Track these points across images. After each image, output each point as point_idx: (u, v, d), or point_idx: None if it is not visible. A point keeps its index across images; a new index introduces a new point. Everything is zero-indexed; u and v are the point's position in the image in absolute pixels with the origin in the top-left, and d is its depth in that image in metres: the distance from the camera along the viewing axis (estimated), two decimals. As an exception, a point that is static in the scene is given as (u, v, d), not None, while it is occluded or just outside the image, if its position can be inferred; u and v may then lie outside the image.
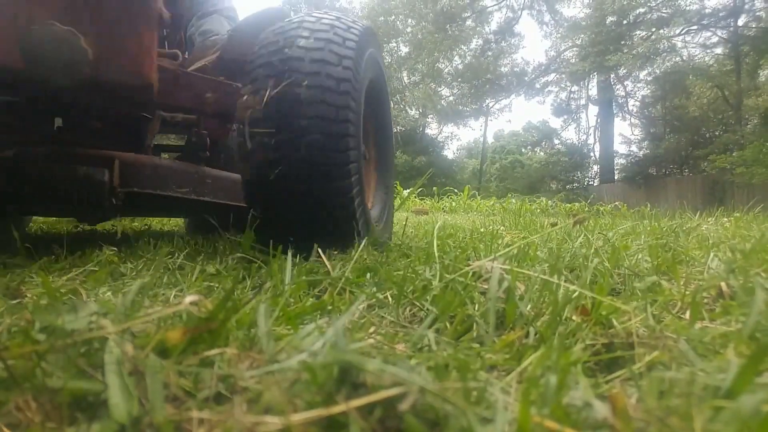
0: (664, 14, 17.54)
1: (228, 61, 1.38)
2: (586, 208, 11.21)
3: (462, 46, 23.38)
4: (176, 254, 1.18)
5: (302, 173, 1.02)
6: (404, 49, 24.95)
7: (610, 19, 18.20)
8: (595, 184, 22.27)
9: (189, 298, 0.44)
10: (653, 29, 17.77)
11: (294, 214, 1.07)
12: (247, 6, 10.99)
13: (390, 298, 0.72)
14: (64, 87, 0.93)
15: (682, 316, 0.69)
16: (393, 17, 23.69)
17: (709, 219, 2.72)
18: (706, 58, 18.79)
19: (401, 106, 23.88)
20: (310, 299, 0.75)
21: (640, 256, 1.11)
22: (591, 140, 24.64)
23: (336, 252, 1.05)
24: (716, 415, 0.32)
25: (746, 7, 16.67)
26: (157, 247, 1.38)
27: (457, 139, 44.48)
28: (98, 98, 1.07)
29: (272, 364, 0.37)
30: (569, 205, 12.25)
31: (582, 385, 0.38)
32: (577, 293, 0.63)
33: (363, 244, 0.99)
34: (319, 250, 0.96)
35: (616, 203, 11.90)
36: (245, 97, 1.03)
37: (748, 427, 0.30)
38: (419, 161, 21.45)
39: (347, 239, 1.13)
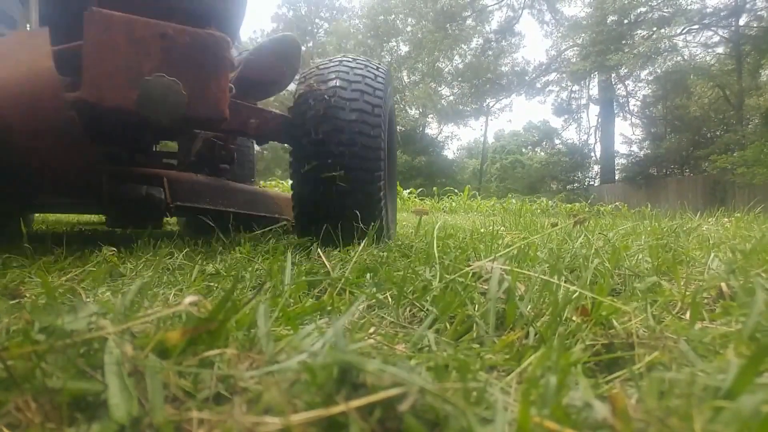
0: (665, 13, 17.53)
1: (244, 80, 1.57)
2: (587, 209, 11.20)
3: (462, 46, 23.37)
4: (175, 254, 1.18)
5: (346, 178, 1.27)
6: (404, 49, 24.99)
7: (611, 18, 18.19)
8: (595, 185, 22.27)
9: (188, 299, 0.44)
10: (654, 28, 17.75)
11: (337, 210, 1.29)
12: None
13: (390, 299, 0.72)
14: (164, 122, 1.13)
15: (682, 316, 0.69)
16: (393, 16, 23.70)
17: (709, 219, 2.72)
18: (708, 58, 18.79)
19: (401, 106, 23.88)
20: (310, 300, 0.75)
21: (640, 257, 1.11)
22: (592, 140, 24.67)
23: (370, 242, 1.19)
24: (716, 415, 0.32)
25: (747, 6, 16.67)
26: (156, 248, 1.38)
27: (457, 138, 44.60)
28: (185, 129, 1.34)
29: (272, 365, 0.37)
30: (570, 206, 12.24)
31: (582, 385, 0.38)
32: (577, 294, 0.63)
33: (363, 244, 0.99)
34: (319, 251, 0.96)
35: (617, 203, 11.90)
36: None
37: (748, 428, 0.30)
38: (419, 161, 21.44)
39: (377, 231, 1.33)
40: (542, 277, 0.68)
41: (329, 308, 0.65)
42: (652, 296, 0.73)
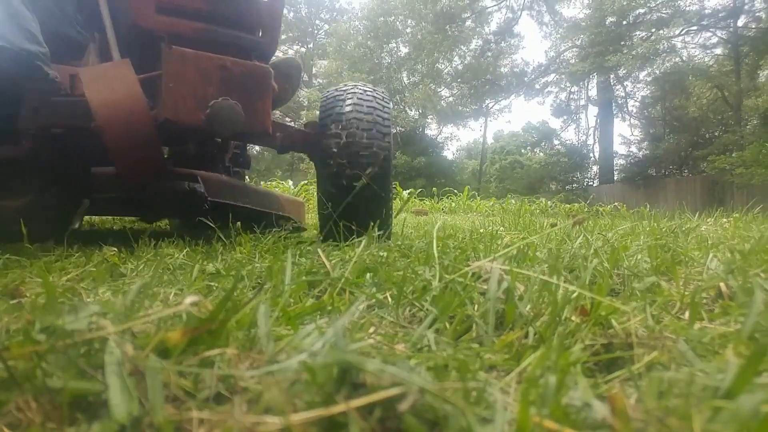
0: (663, 15, 17.54)
1: None
2: (586, 209, 11.21)
3: (462, 47, 23.36)
4: (176, 254, 1.18)
5: (366, 185, 1.52)
6: (404, 50, 24.95)
7: (609, 19, 18.20)
8: (594, 185, 22.26)
9: (189, 299, 0.44)
10: (653, 30, 17.77)
11: (359, 214, 1.52)
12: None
13: (390, 299, 0.72)
14: (227, 136, 1.43)
15: (681, 316, 0.69)
16: (392, 18, 23.68)
17: (708, 220, 2.72)
18: (706, 59, 18.80)
19: (401, 107, 23.87)
20: (310, 299, 0.75)
21: (639, 257, 1.11)
22: (590, 141, 24.67)
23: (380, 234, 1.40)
24: (715, 415, 0.32)
25: (746, 7, 16.68)
26: (157, 247, 1.38)
27: (456, 139, 44.54)
28: (238, 140, 1.69)
29: (272, 365, 0.37)
30: (569, 206, 12.24)
31: (581, 385, 0.38)
32: (576, 294, 0.64)
33: (363, 244, 1.00)
34: (319, 251, 0.97)
35: (616, 204, 11.90)
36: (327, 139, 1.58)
37: (748, 428, 0.30)
38: (419, 162, 21.41)
39: (386, 228, 1.64)
40: (541, 277, 0.68)
41: (329, 308, 0.65)
42: (651, 296, 0.73)
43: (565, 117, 25.15)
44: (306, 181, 8.94)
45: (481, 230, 2.00)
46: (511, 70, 23.77)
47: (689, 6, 17.41)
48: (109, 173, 1.59)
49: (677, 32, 17.88)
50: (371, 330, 0.59)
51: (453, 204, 10.17)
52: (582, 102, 24.75)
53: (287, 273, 0.70)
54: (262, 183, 9.38)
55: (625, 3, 16.91)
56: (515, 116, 71.48)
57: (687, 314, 0.67)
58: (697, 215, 2.94)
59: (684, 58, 18.94)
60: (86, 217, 3.85)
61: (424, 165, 21.56)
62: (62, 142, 1.45)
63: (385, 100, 1.64)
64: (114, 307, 0.48)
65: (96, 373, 0.37)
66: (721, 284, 0.78)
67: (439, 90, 24.16)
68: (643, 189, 17.62)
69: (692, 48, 19.10)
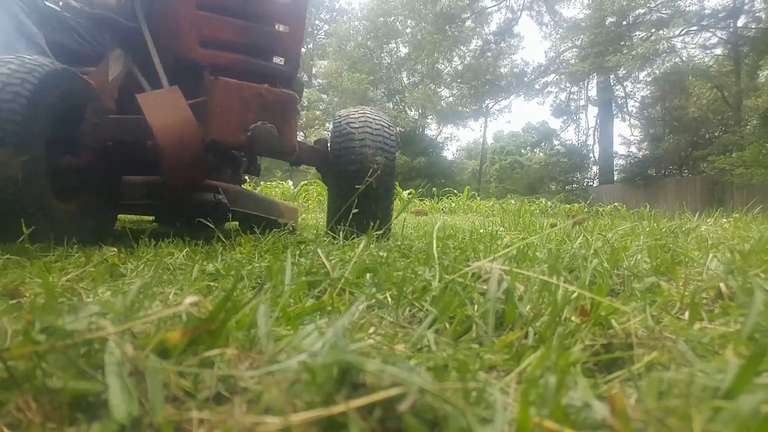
0: (663, 15, 17.54)
1: None
2: (586, 209, 11.21)
3: (461, 47, 23.36)
4: (175, 254, 1.18)
5: (375, 190, 1.73)
6: (404, 50, 24.95)
7: (609, 19, 18.20)
8: (594, 185, 22.26)
9: (189, 299, 0.44)
10: (653, 30, 17.77)
11: (367, 213, 1.67)
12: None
13: (389, 299, 0.72)
14: (265, 154, 1.70)
15: (681, 316, 0.69)
16: (392, 18, 23.67)
17: (708, 220, 2.72)
18: (706, 59, 18.81)
19: (401, 107, 23.86)
20: (310, 300, 0.75)
21: (639, 257, 1.11)
22: (590, 141, 24.67)
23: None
24: (715, 415, 0.32)
25: (746, 7, 16.69)
26: (156, 248, 1.38)
27: (456, 140, 44.51)
28: (267, 156, 1.80)
29: (272, 365, 0.37)
30: (568, 206, 12.24)
31: (581, 385, 0.38)
32: (576, 294, 0.64)
33: (362, 245, 1.00)
34: (319, 251, 0.97)
35: (616, 204, 11.91)
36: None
37: (747, 428, 0.30)
38: (419, 162, 21.40)
39: (387, 227, 1.84)
40: (541, 277, 0.68)
41: (329, 308, 0.65)
42: (651, 296, 0.73)
43: (564, 117, 25.16)
44: (306, 182, 8.95)
45: (481, 230, 2.00)
46: (510, 71, 23.78)
47: (689, 6, 17.43)
48: (139, 182, 1.77)
49: (677, 32, 17.89)
50: (371, 330, 0.59)
51: (453, 204, 10.18)
52: (582, 102, 24.77)
53: (287, 273, 0.70)
54: (262, 183, 9.40)
55: (625, 3, 16.91)
56: (515, 116, 71.62)
57: (687, 314, 0.67)
58: (696, 215, 2.94)
59: (684, 59, 18.95)
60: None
61: (424, 165, 21.56)
62: (109, 154, 1.65)
63: (390, 126, 1.84)
64: (114, 307, 0.48)
65: (96, 373, 0.37)
66: (721, 284, 0.78)
67: (439, 90, 24.17)
68: (643, 189, 17.62)
69: (692, 48, 19.13)
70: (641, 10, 17.79)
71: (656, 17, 17.70)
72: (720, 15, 17.07)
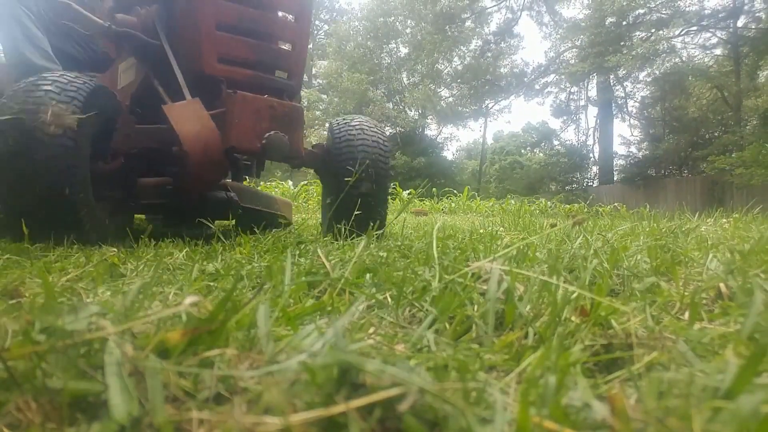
0: (663, 15, 17.54)
1: None
2: (585, 209, 11.21)
3: (461, 47, 23.34)
4: (175, 254, 1.18)
5: (373, 190, 1.90)
6: (404, 50, 24.93)
7: (609, 20, 18.20)
8: (594, 185, 22.26)
9: (189, 299, 0.44)
10: (653, 30, 17.77)
11: (364, 213, 1.81)
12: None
13: (389, 299, 0.72)
14: (277, 160, 1.86)
15: (680, 316, 0.69)
16: (392, 18, 23.66)
17: (708, 220, 2.72)
18: (706, 59, 18.80)
19: (401, 107, 23.85)
20: (310, 300, 0.75)
21: (639, 257, 1.11)
22: (590, 141, 24.65)
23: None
24: (715, 415, 0.32)
25: (746, 8, 16.69)
26: (156, 248, 1.38)
27: (456, 140, 44.46)
28: (282, 162, 1.99)
29: (272, 365, 0.37)
30: (568, 206, 12.24)
31: (581, 385, 0.38)
32: (576, 294, 0.64)
33: (362, 245, 1.00)
34: (319, 251, 0.97)
35: (615, 204, 11.91)
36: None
37: (747, 428, 0.30)
38: (419, 162, 21.39)
39: (382, 226, 2.00)
40: (541, 277, 0.68)
41: (329, 308, 0.65)
42: (651, 297, 0.73)
43: (564, 117, 25.16)
44: (306, 182, 8.96)
45: (481, 231, 2.00)
46: (510, 71, 23.77)
47: (689, 6, 17.43)
48: (159, 183, 1.94)
49: (677, 33, 17.89)
50: (371, 330, 0.59)
51: (453, 204, 10.18)
52: (582, 102, 24.77)
53: (287, 273, 0.70)
54: (262, 183, 9.41)
55: (624, 3, 16.91)
56: (515, 117, 71.72)
57: (687, 315, 0.67)
58: (696, 216, 2.94)
59: (684, 59, 18.94)
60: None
61: (424, 165, 21.55)
62: (135, 159, 1.84)
63: (382, 133, 2.04)
64: (114, 307, 0.48)
65: (96, 373, 0.37)
66: (721, 285, 0.78)
67: (438, 90, 24.16)
68: (643, 189, 17.62)
69: (692, 48, 19.12)
70: (641, 11, 17.79)
71: (656, 17, 17.70)
72: (720, 15, 17.08)
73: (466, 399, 0.34)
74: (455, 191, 12.57)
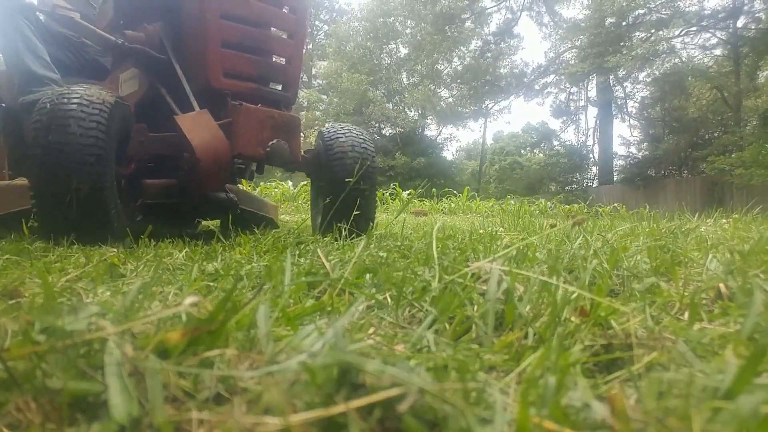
0: (663, 15, 17.54)
1: None
2: (585, 210, 11.21)
3: (461, 48, 23.33)
4: (175, 254, 1.18)
5: (363, 190, 2.05)
6: (403, 51, 24.91)
7: (609, 20, 18.20)
8: (594, 186, 22.26)
9: (189, 299, 0.44)
10: (652, 30, 17.77)
11: (354, 209, 1.95)
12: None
13: (389, 299, 0.72)
14: (278, 165, 2.03)
15: (680, 317, 0.69)
16: (392, 18, 23.64)
17: (707, 220, 2.72)
18: (706, 60, 18.79)
19: (400, 108, 23.83)
20: (310, 300, 0.75)
21: (638, 258, 1.11)
22: (590, 142, 24.66)
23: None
24: (715, 415, 0.32)
25: (745, 8, 16.69)
26: (156, 248, 1.38)
27: (456, 140, 44.37)
28: (283, 167, 2.20)
29: (272, 365, 0.37)
30: (568, 207, 12.24)
31: (581, 385, 0.38)
32: (575, 294, 0.64)
33: (362, 245, 1.00)
34: (319, 251, 0.97)
35: (615, 204, 11.91)
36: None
37: (747, 428, 0.30)
38: (418, 162, 21.37)
39: (372, 222, 2.18)
40: (541, 277, 0.68)
41: (329, 309, 0.65)
42: (651, 297, 0.73)
43: (564, 118, 25.16)
44: (305, 183, 8.96)
45: (481, 231, 2.01)
46: (510, 71, 23.76)
47: (689, 7, 17.43)
48: (161, 184, 2.07)
49: (677, 33, 17.89)
50: (371, 330, 0.59)
51: (452, 205, 10.18)
52: (581, 103, 24.77)
53: (287, 273, 0.70)
54: (261, 184, 9.42)
55: (624, 4, 16.91)
56: (515, 117, 71.76)
57: (686, 315, 0.67)
58: (696, 216, 2.93)
59: (683, 59, 18.94)
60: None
61: (424, 166, 21.54)
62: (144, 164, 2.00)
63: (370, 140, 2.22)
64: (113, 307, 0.48)
65: (96, 373, 0.37)
66: (721, 285, 0.78)
67: (438, 91, 24.15)
68: (643, 190, 17.62)
69: (692, 49, 19.12)
70: (641, 11, 17.79)
71: (656, 18, 17.70)
72: (720, 15, 17.08)
73: (466, 399, 0.34)
74: (455, 192, 12.57)
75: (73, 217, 1.48)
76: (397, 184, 11.31)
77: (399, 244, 1.47)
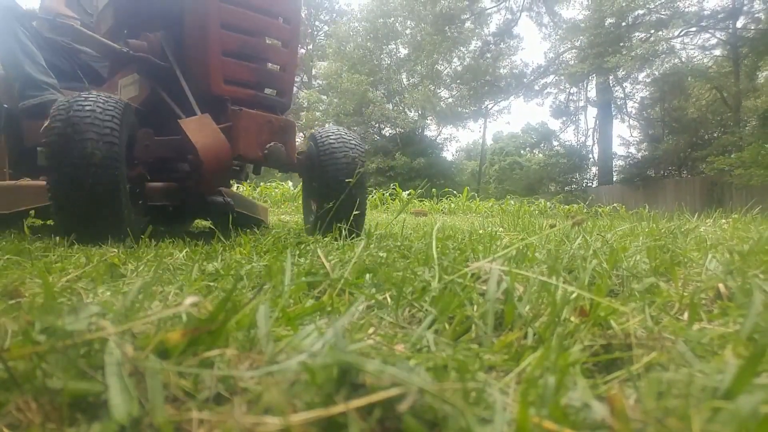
0: (662, 16, 17.55)
1: None
2: (585, 210, 11.21)
3: (461, 48, 23.33)
4: (175, 254, 1.18)
5: (356, 189, 2.14)
6: (403, 51, 24.91)
7: (608, 20, 18.20)
8: (593, 186, 22.27)
9: (189, 299, 0.44)
10: (652, 31, 17.78)
11: (347, 210, 2.06)
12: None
13: (389, 299, 0.72)
14: (275, 167, 2.11)
15: (680, 317, 0.69)
16: (392, 19, 23.64)
17: (707, 220, 2.73)
18: (705, 60, 18.80)
19: (400, 108, 23.83)
20: (310, 300, 0.75)
21: (638, 258, 1.11)
22: (590, 142, 24.67)
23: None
24: (714, 415, 0.32)
25: (745, 8, 16.70)
26: (156, 248, 1.38)
27: (456, 140, 44.40)
28: (279, 169, 2.26)
29: (272, 365, 0.37)
30: (568, 207, 12.25)
31: (580, 385, 0.39)
32: (575, 294, 0.64)
33: (362, 245, 1.00)
34: (319, 251, 0.97)
35: (615, 205, 11.92)
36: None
37: (746, 428, 0.30)
38: (418, 162, 21.37)
39: (362, 218, 2.25)
40: (540, 277, 0.68)
41: (329, 309, 0.65)
42: (650, 297, 0.73)
43: (564, 118, 25.17)
44: (305, 182, 8.93)
45: (481, 231, 2.01)
46: (510, 72, 23.76)
47: (688, 7, 17.43)
48: (162, 187, 2.16)
49: (676, 33, 17.90)
50: (371, 330, 0.60)
51: (452, 205, 10.18)
52: (581, 103, 24.78)
53: (287, 273, 0.70)
54: (262, 184, 9.43)
55: (624, 4, 16.91)
56: (514, 117, 71.79)
57: (686, 315, 0.67)
58: (696, 216, 2.94)
59: (683, 60, 18.94)
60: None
61: (424, 166, 21.54)
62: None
63: (359, 142, 2.33)
64: (114, 307, 0.48)
65: (96, 373, 0.37)
66: (720, 285, 0.78)
67: (438, 91, 24.16)
68: (642, 190, 17.63)
69: (691, 49, 19.12)
70: (640, 11, 17.79)
71: (655, 18, 17.70)
72: (719, 16, 17.08)
73: (466, 399, 0.34)
74: (455, 192, 12.57)
75: (90, 215, 1.57)
76: (397, 184, 11.31)
77: (399, 244, 1.47)
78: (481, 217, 6.90)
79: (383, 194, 10.28)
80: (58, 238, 1.56)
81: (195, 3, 1.90)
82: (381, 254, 1.13)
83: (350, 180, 2.13)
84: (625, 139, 23.93)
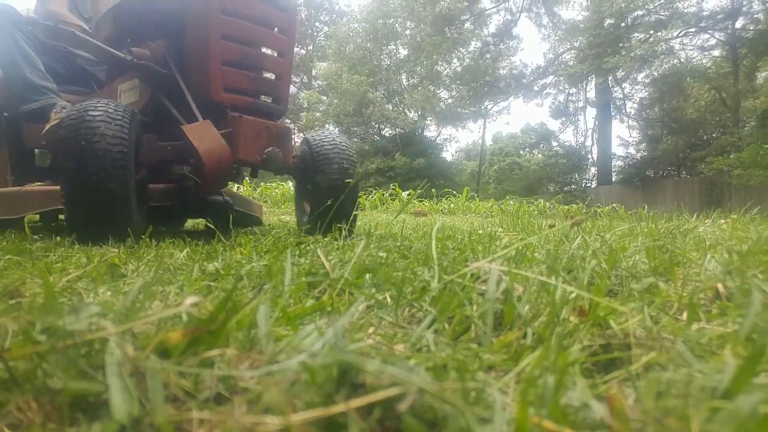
0: (662, 17, 17.56)
1: None
2: (584, 210, 11.22)
3: (460, 49, 23.34)
4: (176, 254, 1.18)
5: (348, 191, 2.23)
6: (403, 52, 24.92)
7: (608, 21, 18.22)
8: (592, 186, 22.28)
9: (189, 299, 0.44)
10: (651, 31, 17.79)
11: (341, 211, 2.13)
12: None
13: (389, 299, 0.73)
14: (272, 170, 2.24)
15: (679, 317, 0.69)
16: (392, 20, 23.64)
17: (706, 221, 2.73)
18: (704, 61, 18.81)
19: (400, 109, 23.83)
20: (310, 300, 0.75)
21: (637, 258, 1.11)
22: (589, 142, 24.69)
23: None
24: (713, 415, 0.32)
25: (744, 9, 16.71)
26: (157, 248, 1.38)
27: (455, 141, 44.39)
28: (276, 172, 2.43)
29: (272, 365, 0.37)
30: (567, 207, 12.26)
31: (580, 385, 0.39)
32: (574, 294, 0.64)
33: (362, 245, 1.00)
34: (319, 252, 0.97)
35: (614, 205, 11.93)
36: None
37: (746, 428, 0.31)
38: (418, 163, 21.36)
39: (354, 219, 2.30)
40: (540, 277, 0.68)
41: (329, 309, 0.66)
42: (649, 297, 0.73)
43: (563, 118, 25.19)
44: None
45: (480, 231, 2.01)
46: (509, 72, 23.77)
47: (687, 8, 17.44)
48: (164, 188, 2.24)
49: (675, 34, 17.91)
50: (370, 330, 0.60)
51: (452, 205, 10.18)
52: (580, 104, 24.79)
53: (287, 273, 0.70)
54: (262, 184, 9.44)
55: (623, 5, 16.92)
56: (514, 118, 71.78)
57: (685, 315, 0.68)
58: (695, 216, 2.94)
59: (682, 60, 18.94)
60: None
61: (424, 166, 21.54)
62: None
63: (350, 146, 2.44)
64: (114, 307, 0.48)
65: (96, 373, 0.37)
66: (719, 285, 0.78)
67: (438, 92, 24.16)
68: (642, 190, 17.64)
69: (690, 50, 19.13)
70: (640, 12, 17.80)
71: (654, 19, 17.71)
72: (718, 17, 17.10)
73: (466, 399, 0.34)
74: (454, 192, 12.57)
75: (102, 218, 1.65)
76: (396, 184, 11.31)
77: (399, 244, 1.47)
78: (480, 217, 6.91)
79: (383, 194, 10.28)
80: (58, 238, 1.56)
81: (197, 15, 1.97)
82: (381, 254, 1.13)
83: (342, 182, 2.23)
84: (624, 139, 24.03)
